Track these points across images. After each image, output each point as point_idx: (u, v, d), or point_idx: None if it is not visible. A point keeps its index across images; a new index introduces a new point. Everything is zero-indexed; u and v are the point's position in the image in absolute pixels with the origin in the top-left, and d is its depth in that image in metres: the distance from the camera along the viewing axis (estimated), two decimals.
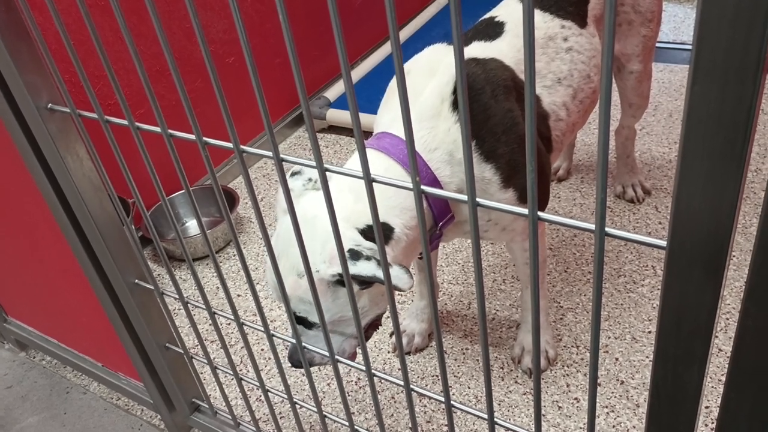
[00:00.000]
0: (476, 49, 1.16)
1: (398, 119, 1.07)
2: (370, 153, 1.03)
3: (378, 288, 0.99)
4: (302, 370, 1.49)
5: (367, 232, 0.94)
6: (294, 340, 0.87)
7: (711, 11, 0.37)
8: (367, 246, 0.91)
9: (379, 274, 0.87)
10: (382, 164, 1.01)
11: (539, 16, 1.24)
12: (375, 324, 1.07)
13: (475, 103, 1.04)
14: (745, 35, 0.37)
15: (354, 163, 1.06)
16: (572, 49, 1.23)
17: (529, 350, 1.42)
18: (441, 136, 1.03)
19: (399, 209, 0.99)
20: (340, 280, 0.92)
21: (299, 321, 0.99)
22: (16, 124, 0.89)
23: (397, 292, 1.68)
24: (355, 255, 0.89)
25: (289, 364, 1.09)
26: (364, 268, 0.88)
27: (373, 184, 0.98)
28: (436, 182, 1.03)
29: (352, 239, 0.92)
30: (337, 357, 0.82)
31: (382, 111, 1.15)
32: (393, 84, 1.17)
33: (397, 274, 0.87)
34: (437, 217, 1.04)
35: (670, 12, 2.81)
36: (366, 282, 0.92)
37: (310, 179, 1.01)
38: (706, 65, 0.39)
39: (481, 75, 1.06)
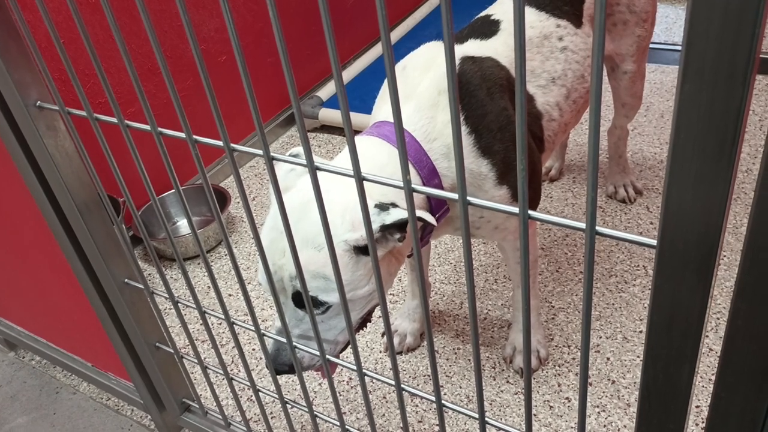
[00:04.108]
0: (471, 48, 1.16)
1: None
2: (372, 141, 1.02)
3: (389, 260, 0.99)
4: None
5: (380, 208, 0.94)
6: (284, 339, 0.86)
7: (701, 12, 0.37)
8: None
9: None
10: (385, 151, 1.01)
11: (534, 15, 1.24)
12: (366, 319, 1.06)
13: (473, 98, 1.04)
14: (735, 36, 0.37)
15: (346, 158, 1.05)
16: (567, 49, 1.23)
17: (521, 350, 1.43)
18: (440, 127, 1.02)
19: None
20: (365, 247, 0.91)
21: (300, 304, 0.95)
22: (5, 122, 0.88)
23: (389, 292, 1.68)
24: (383, 207, 0.90)
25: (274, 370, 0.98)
26: (397, 213, 0.89)
27: (383, 165, 0.98)
28: (435, 173, 1.02)
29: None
30: (327, 357, 0.82)
31: (379, 104, 1.15)
32: None
33: (421, 215, 0.90)
34: (434, 209, 1.04)
35: (662, 12, 2.82)
36: (402, 229, 0.92)
37: None
38: (695, 66, 0.39)
39: (477, 73, 1.07)
